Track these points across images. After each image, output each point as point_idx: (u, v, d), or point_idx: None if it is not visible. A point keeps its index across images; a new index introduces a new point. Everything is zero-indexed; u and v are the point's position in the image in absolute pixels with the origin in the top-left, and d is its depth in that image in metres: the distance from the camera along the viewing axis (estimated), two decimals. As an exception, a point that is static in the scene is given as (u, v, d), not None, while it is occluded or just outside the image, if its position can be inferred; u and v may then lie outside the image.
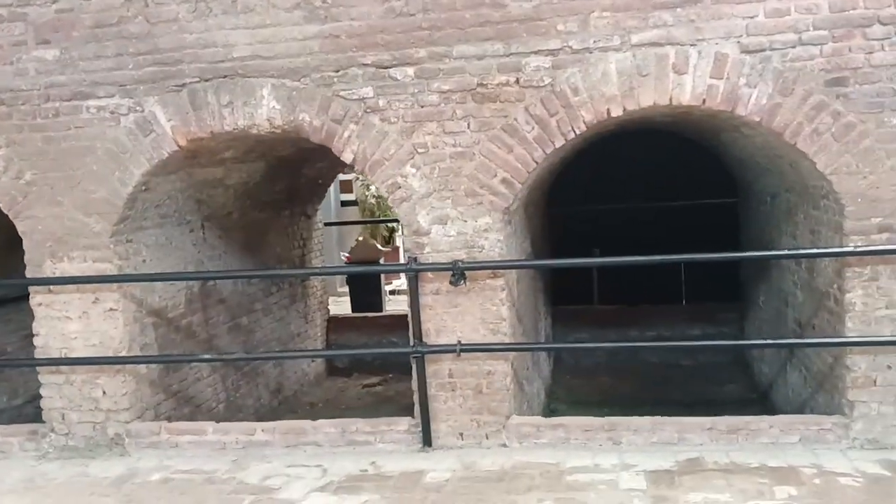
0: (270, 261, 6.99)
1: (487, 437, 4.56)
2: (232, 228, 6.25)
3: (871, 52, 4.01)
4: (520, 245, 5.31)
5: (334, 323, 8.30)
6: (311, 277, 7.88)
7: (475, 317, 4.50)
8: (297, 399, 7.37)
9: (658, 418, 4.47)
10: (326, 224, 8.94)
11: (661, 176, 8.17)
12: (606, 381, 7.75)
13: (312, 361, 7.84)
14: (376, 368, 8.00)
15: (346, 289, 10.51)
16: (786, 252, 4.84)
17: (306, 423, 4.81)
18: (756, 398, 6.88)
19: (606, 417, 4.56)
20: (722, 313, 7.69)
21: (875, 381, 4.19)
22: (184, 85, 4.65)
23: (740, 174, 6.80)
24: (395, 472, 4.31)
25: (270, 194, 6.71)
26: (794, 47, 4.06)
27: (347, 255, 10.48)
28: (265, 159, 5.92)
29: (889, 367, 4.16)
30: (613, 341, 7.79)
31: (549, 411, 6.55)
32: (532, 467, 4.24)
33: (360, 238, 11.29)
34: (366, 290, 9.63)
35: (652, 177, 8.21)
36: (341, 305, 10.47)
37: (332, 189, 10.81)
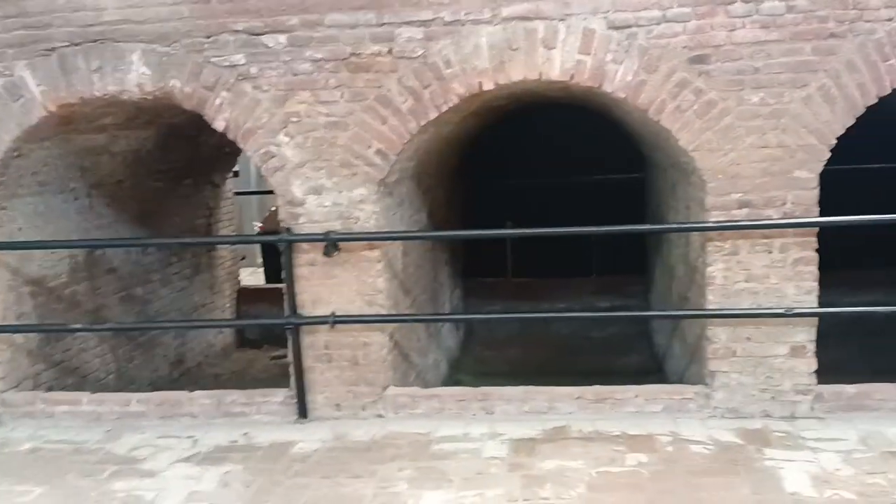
0: (170, 230, 6.84)
1: (364, 409, 4.59)
2: (123, 197, 6.10)
3: (732, 30, 4.07)
4: (409, 217, 5.30)
5: (245, 294, 8.21)
6: (219, 247, 7.77)
7: (351, 288, 4.50)
8: (202, 371, 7.30)
9: (529, 388, 4.55)
10: (237, 193, 8.81)
11: (583, 150, 8.22)
12: (517, 352, 7.85)
13: (220, 332, 7.76)
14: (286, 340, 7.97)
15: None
16: (650, 227, 4.92)
17: (182, 395, 4.78)
18: (655, 368, 7.08)
19: (480, 388, 4.63)
20: (629, 286, 7.83)
21: (735, 352, 4.33)
22: (53, 49, 4.49)
23: (639, 149, 6.90)
24: (265, 444, 4.32)
25: (167, 163, 6.55)
26: (658, 24, 4.10)
27: (261, 224, 10.33)
28: (154, 127, 5.77)
29: (748, 339, 4.31)
30: (525, 313, 7.92)
31: (453, 382, 6.62)
32: (402, 437, 4.29)
33: (274, 208, 11.10)
34: (279, 261, 9.50)
35: (574, 151, 8.26)
36: (260, 276, 10.38)
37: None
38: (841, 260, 7.60)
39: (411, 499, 3.60)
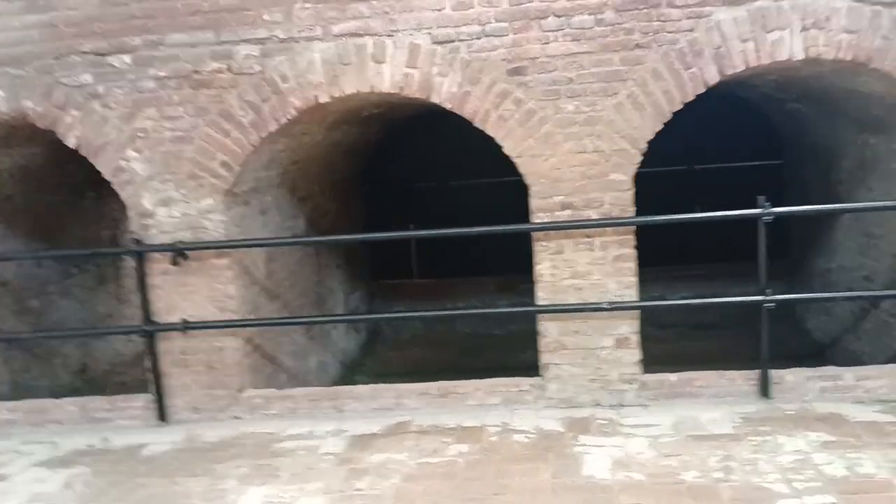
0: (71, 243, 6.98)
1: (221, 411, 4.79)
2: (14, 213, 6.25)
3: (546, 43, 4.32)
4: (278, 224, 5.50)
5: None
6: (125, 257, 7.91)
7: (203, 295, 4.70)
8: (108, 379, 7.43)
9: (377, 386, 4.78)
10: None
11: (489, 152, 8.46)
12: (420, 352, 8.08)
13: (130, 340, 7.89)
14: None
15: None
16: (496, 228, 5.02)
17: (48, 402, 4.96)
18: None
19: (332, 387, 4.85)
20: (523, 284, 8.07)
21: (565, 345, 4.58)
22: (-89, 71, 4.66)
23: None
24: (120, 447, 4.50)
25: (63, 177, 6.70)
26: (478, 38, 4.35)
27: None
28: (37, 143, 5.92)
29: (577, 332, 4.56)
30: (427, 312, 8.16)
31: (348, 383, 6.83)
32: (251, 437, 4.49)
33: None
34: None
35: (479, 153, 8.50)
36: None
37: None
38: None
39: (235, 494, 3.80)
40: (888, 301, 5.37)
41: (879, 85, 4.42)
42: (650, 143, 4.37)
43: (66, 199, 6.96)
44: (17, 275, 6.36)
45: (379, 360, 7.87)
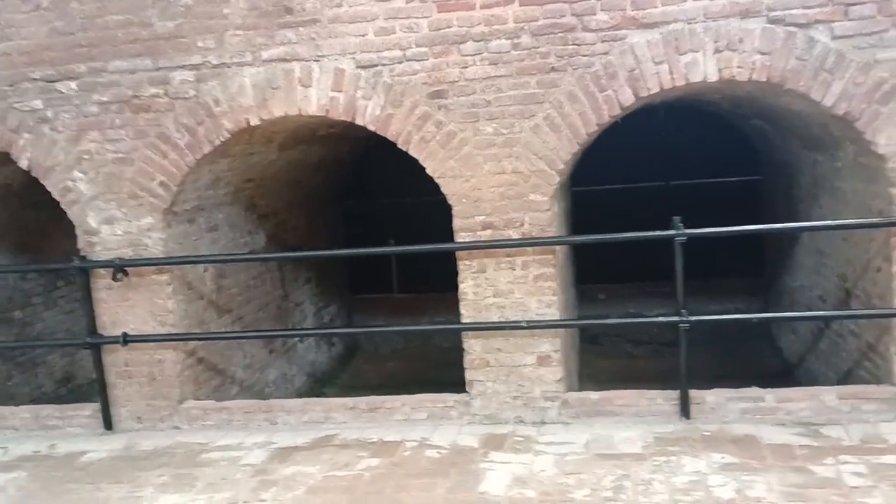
0: (57, 256, 7.32)
1: (162, 420, 4.98)
2: (1, 229, 6.58)
3: (465, 67, 4.42)
4: (232, 241, 5.69)
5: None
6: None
7: (144, 310, 4.90)
8: (93, 387, 7.72)
9: (309, 399, 4.92)
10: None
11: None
12: (396, 365, 8.21)
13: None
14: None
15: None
16: (426, 247, 5.09)
17: (5, 409, 5.22)
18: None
19: (266, 400, 5.00)
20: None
21: (489, 362, 4.64)
22: None
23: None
24: (62, 453, 4.72)
25: (43, 194, 7.01)
26: (400, 63, 4.47)
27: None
28: (13, 163, 6.24)
29: (499, 350, 4.62)
30: (406, 326, 8.29)
31: (316, 395, 6.98)
32: (182, 447, 4.66)
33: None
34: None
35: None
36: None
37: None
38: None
39: (148, 501, 3.97)
40: (837, 322, 5.30)
41: (802, 105, 4.40)
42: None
43: (50, 214, 7.30)
44: (2, 288, 6.70)
45: (354, 374, 8.02)
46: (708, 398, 4.43)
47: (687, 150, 8.20)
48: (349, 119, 4.55)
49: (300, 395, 6.73)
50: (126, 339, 4.82)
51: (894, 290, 4.20)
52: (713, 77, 4.21)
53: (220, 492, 3.99)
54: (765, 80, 4.17)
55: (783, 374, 6.70)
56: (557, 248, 4.78)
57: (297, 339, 6.85)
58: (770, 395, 4.36)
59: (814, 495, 3.46)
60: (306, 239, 7.08)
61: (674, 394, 4.45)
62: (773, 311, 7.30)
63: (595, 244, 5.99)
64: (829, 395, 4.30)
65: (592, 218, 7.20)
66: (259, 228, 6.19)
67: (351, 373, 7.94)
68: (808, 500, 3.41)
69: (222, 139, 4.68)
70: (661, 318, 4.88)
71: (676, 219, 4.36)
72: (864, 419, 4.23)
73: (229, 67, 4.61)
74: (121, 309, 4.90)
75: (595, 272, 8.32)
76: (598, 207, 8.14)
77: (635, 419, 4.47)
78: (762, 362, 7.24)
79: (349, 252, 6.30)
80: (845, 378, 4.99)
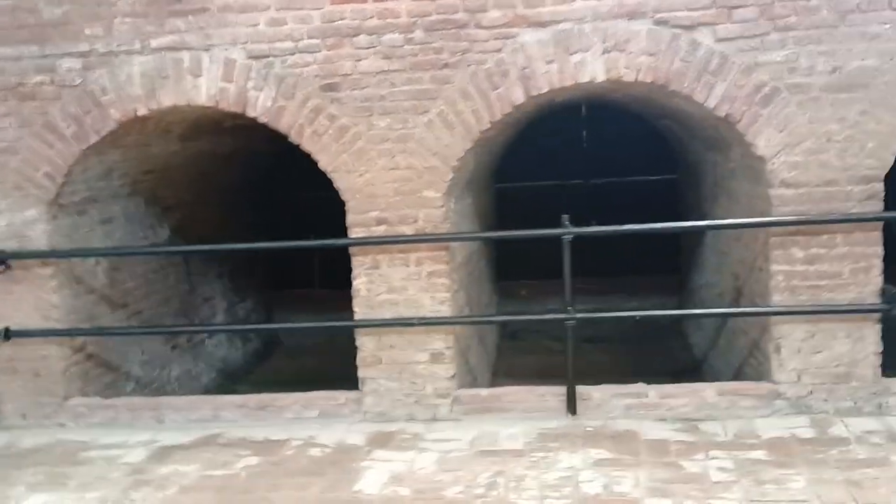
0: None
1: (47, 417, 4.82)
2: None
3: (358, 60, 4.38)
4: (131, 234, 5.53)
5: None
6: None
7: (29, 304, 4.74)
8: None
9: (196, 398, 4.85)
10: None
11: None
12: (315, 361, 8.11)
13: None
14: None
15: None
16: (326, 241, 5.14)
17: None
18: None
19: (154, 398, 4.90)
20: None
21: (381, 360, 4.62)
22: None
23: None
24: (-64, 452, 4.56)
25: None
26: (292, 54, 4.40)
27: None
28: None
29: (392, 347, 4.60)
30: (328, 322, 8.19)
31: (228, 392, 6.86)
32: (63, 445, 4.53)
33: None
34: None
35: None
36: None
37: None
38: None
39: (15, 500, 3.84)
40: (732, 320, 5.41)
41: (691, 107, 4.47)
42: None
43: None
44: None
45: (271, 370, 7.90)
46: (594, 394, 4.47)
47: (615, 148, 8.31)
48: (240, 110, 4.47)
49: (208, 392, 6.58)
50: (8, 334, 4.66)
51: (771, 289, 4.30)
52: (601, 77, 4.25)
53: (92, 491, 3.88)
54: (650, 81, 4.22)
55: (692, 370, 6.83)
56: (456, 245, 4.81)
57: (205, 334, 6.72)
58: (653, 392, 4.42)
59: (676, 490, 3.51)
60: (218, 233, 6.93)
61: (561, 390, 4.48)
62: (684, 309, 7.42)
63: (518, 240, 6.04)
64: (708, 391, 4.39)
65: (519, 214, 7.28)
66: (163, 221, 6.04)
67: (268, 369, 7.82)
68: (670, 494, 3.46)
69: (110, 129, 4.55)
70: (549, 315, 4.91)
71: (564, 217, 4.39)
72: (742, 415, 4.32)
73: (117, 56, 4.49)
74: (4, 303, 4.73)
75: (518, 268, 8.39)
76: (525, 204, 8.22)
77: (524, 415, 4.49)
78: (675, 358, 7.37)
79: (230, 248, 6.08)
80: (738, 374, 5.10)
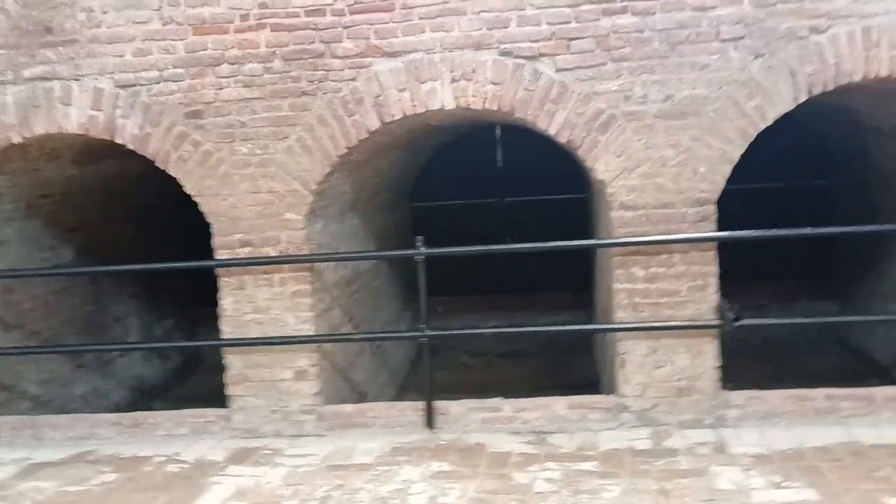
0: None
1: (-73, 437, 4.96)
2: None
3: (220, 89, 4.56)
4: (24, 256, 5.65)
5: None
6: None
7: None
8: None
9: (75, 416, 4.98)
10: None
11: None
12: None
13: None
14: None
15: None
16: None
17: None
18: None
19: (32, 416, 5.02)
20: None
21: (248, 378, 4.76)
22: None
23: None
24: None
25: None
26: (157, 83, 4.58)
27: None
28: None
29: (258, 365, 4.74)
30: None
31: (146, 409, 6.97)
32: (-71, 464, 4.66)
33: None
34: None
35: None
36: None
37: None
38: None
39: None
40: (600, 336, 5.59)
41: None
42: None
43: None
44: None
45: (191, 387, 8.02)
46: (452, 409, 4.63)
47: (532, 168, 8.53)
48: (108, 137, 4.64)
49: (119, 410, 6.71)
50: None
51: (615, 306, 4.49)
52: (451, 105, 4.44)
53: (-55, 508, 4.02)
54: (496, 108, 4.42)
55: (597, 383, 7.02)
56: (329, 264, 4.98)
57: (116, 352, 6.85)
58: (507, 405, 4.58)
59: (498, 500, 3.67)
60: (130, 252, 7.07)
61: (421, 405, 4.64)
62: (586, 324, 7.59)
63: (438, 257, 6.18)
64: (559, 404, 4.55)
65: (439, 232, 7.46)
66: (65, 242, 6.18)
67: (188, 386, 7.94)
68: (488, 504, 3.62)
69: (-17, 155, 4.72)
70: (406, 334, 5.08)
71: (419, 239, 4.56)
72: (591, 427, 4.49)
73: (-8, 85, 4.67)
74: None
75: (437, 285, 8.56)
76: (445, 222, 8.42)
77: (385, 430, 4.64)
78: (582, 373, 7.53)
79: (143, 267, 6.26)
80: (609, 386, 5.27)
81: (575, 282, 8.31)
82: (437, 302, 8.73)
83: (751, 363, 7.15)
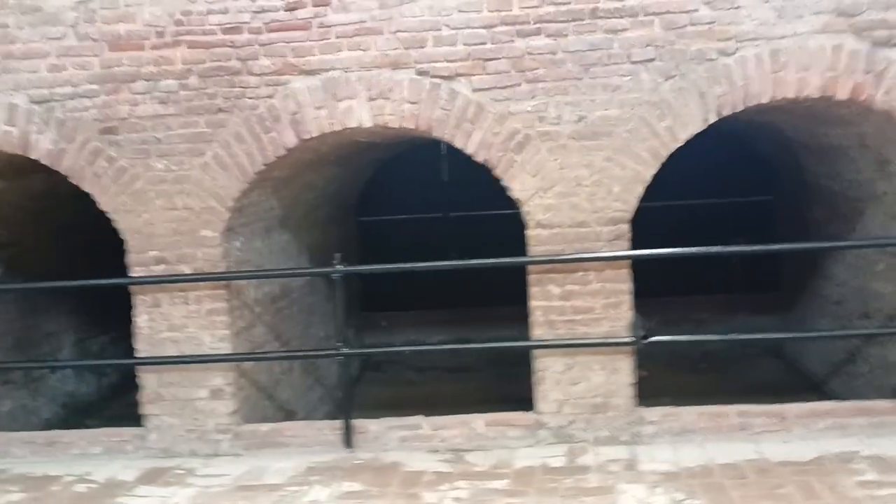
0: None
1: None
2: None
3: (136, 105, 4.52)
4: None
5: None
6: None
7: None
8: None
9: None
10: None
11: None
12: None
13: None
14: None
15: None
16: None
17: None
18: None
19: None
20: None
21: (163, 396, 4.70)
22: None
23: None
24: None
25: None
26: (72, 99, 4.54)
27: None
28: None
29: (173, 384, 4.68)
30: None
31: (81, 426, 6.83)
32: None
33: None
34: None
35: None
36: None
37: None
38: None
39: None
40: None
41: (464, 150, 4.69)
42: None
43: None
44: None
45: (126, 405, 7.89)
46: (371, 427, 4.60)
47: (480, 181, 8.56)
48: (23, 153, 4.58)
49: (50, 428, 6.59)
50: None
51: (532, 323, 4.51)
52: (368, 123, 4.45)
53: None
54: (414, 127, 4.44)
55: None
56: (253, 282, 4.95)
57: (46, 369, 6.73)
58: (426, 424, 4.57)
59: (401, 521, 3.66)
60: (62, 268, 6.97)
61: (339, 424, 4.61)
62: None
63: (381, 273, 6.10)
64: (478, 422, 4.55)
65: (387, 246, 7.45)
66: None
67: (124, 404, 7.81)
68: (389, 525, 3.60)
69: None
70: (322, 352, 5.06)
71: (336, 256, 4.55)
72: (509, 445, 4.50)
73: (-88, 100, 4.59)
74: None
75: (381, 300, 8.55)
76: (396, 237, 8.42)
77: (302, 449, 4.60)
78: (528, 387, 7.53)
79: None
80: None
81: (522, 296, 8.39)
82: (380, 317, 8.79)
83: (686, 377, 7.27)
